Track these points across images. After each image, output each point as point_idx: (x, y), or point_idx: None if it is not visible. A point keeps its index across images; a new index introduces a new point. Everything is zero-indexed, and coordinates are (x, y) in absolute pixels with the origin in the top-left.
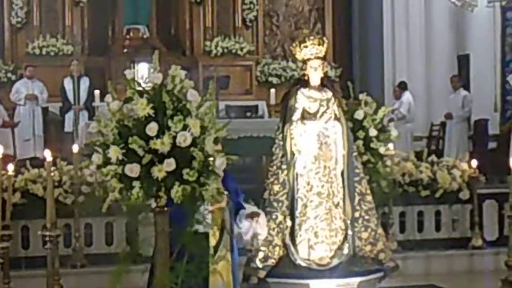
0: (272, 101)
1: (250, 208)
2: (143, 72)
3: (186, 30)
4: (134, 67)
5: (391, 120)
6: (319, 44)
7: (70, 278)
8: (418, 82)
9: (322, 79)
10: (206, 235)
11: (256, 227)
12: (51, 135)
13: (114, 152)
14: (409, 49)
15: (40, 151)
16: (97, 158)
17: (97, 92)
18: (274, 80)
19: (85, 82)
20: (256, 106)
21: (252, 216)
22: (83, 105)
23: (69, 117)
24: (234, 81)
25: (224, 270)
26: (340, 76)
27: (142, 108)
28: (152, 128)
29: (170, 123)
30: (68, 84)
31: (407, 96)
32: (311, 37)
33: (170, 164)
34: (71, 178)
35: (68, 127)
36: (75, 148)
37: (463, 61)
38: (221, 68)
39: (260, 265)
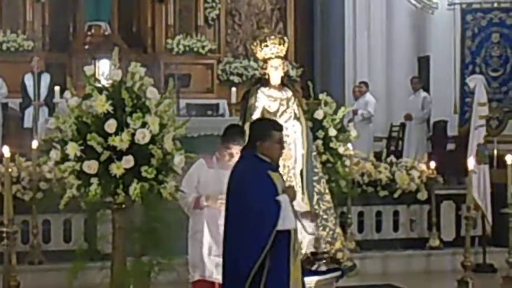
0: (233, 99)
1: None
2: (104, 69)
3: (147, 27)
4: (95, 64)
5: (350, 120)
6: (279, 44)
7: (28, 275)
8: (378, 83)
9: (282, 78)
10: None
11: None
12: (10, 130)
13: (72, 149)
14: (370, 50)
15: None
16: (55, 155)
17: (57, 88)
18: (236, 79)
19: (45, 78)
20: (217, 105)
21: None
22: (43, 101)
23: (28, 113)
24: (195, 80)
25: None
26: (301, 76)
27: (101, 104)
28: (110, 125)
29: (129, 120)
30: (28, 80)
31: (369, 96)
32: (272, 37)
33: (128, 161)
34: (30, 174)
35: (27, 123)
36: (34, 144)
37: (423, 63)
38: (183, 66)
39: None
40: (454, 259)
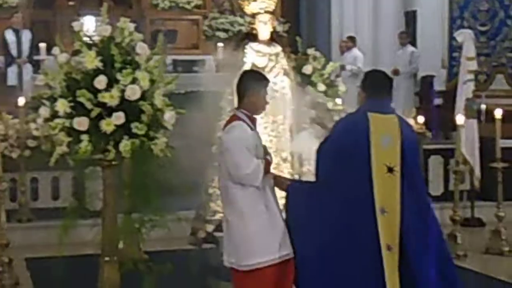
0: (220, 55)
1: None
2: (89, 26)
3: None
4: (80, 20)
5: (338, 75)
6: None
7: (16, 232)
8: (365, 37)
9: (271, 33)
10: None
11: None
12: None
13: (62, 105)
14: (356, 5)
15: None
16: (44, 111)
17: (42, 45)
18: (222, 34)
19: (26, 35)
20: (204, 61)
21: None
22: (26, 58)
23: (12, 70)
24: (181, 36)
25: None
26: (288, 31)
27: (90, 60)
28: (100, 81)
29: (119, 76)
30: (9, 36)
31: (355, 51)
32: None
33: (119, 118)
34: (17, 132)
35: (11, 80)
36: (21, 101)
37: (410, 18)
38: (168, 22)
39: (208, 219)
40: (442, 213)
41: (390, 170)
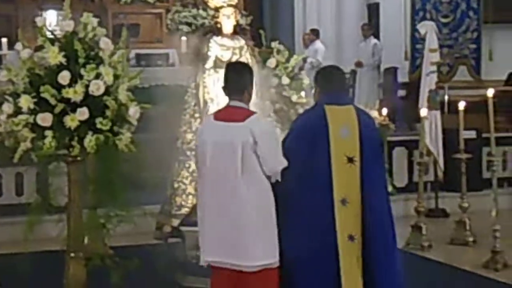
0: (184, 49)
1: None
2: (51, 20)
3: None
4: (42, 15)
5: (301, 68)
6: None
7: None
8: (328, 30)
9: (234, 27)
10: None
11: None
12: None
13: (26, 102)
14: None
15: None
16: (7, 108)
17: (4, 40)
18: (185, 28)
19: None
20: (167, 55)
21: None
22: None
23: None
24: (144, 29)
25: None
26: (251, 24)
27: (53, 56)
28: (64, 77)
29: (82, 71)
30: None
31: (319, 44)
32: None
33: (83, 113)
34: None
35: None
36: None
37: (373, 10)
38: (131, 16)
39: (173, 214)
40: (406, 204)
41: (350, 160)
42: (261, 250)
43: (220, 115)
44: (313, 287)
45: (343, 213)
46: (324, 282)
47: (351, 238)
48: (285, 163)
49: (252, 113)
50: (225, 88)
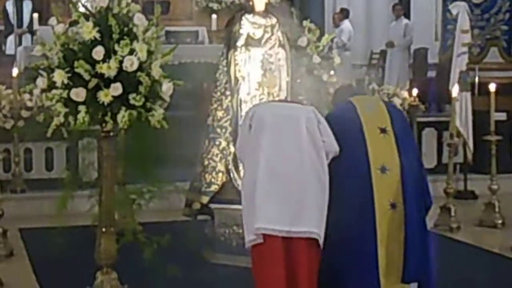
0: (213, 27)
1: None
2: None
3: None
4: None
5: (330, 48)
6: None
7: (10, 203)
8: (358, 9)
9: (266, 5)
10: None
11: None
12: None
13: (60, 76)
14: None
15: None
16: (41, 82)
17: (36, 15)
18: (215, 6)
19: (27, 5)
20: (197, 32)
21: None
22: (26, 28)
23: (11, 40)
24: (174, 7)
25: None
26: (280, 3)
27: (88, 31)
28: (98, 52)
29: (116, 47)
30: (10, 7)
31: (346, 24)
32: None
33: (116, 89)
34: (10, 102)
35: (9, 50)
36: (15, 71)
37: None
38: None
39: (203, 191)
40: (436, 186)
41: (383, 130)
42: (316, 219)
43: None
44: (353, 260)
45: (383, 180)
46: (363, 253)
47: (393, 206)
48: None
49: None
50: None
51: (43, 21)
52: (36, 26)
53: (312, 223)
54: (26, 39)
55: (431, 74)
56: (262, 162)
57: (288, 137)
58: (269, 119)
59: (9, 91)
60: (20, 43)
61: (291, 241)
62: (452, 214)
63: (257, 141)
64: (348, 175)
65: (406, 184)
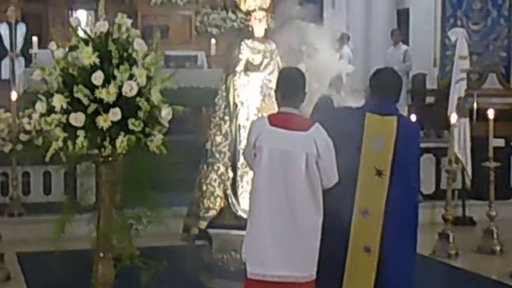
0: (212, 51)
1: None
2: (82, 20)
3: None
4: (72, 14)
5: None
6: None
7: (7, 226)
8: (357, 35)
9: (265, 30)
10: None
11: None
12: None
13: (59, 101)
14: (349, 2)
15: None
16: (41, 107)
17: (35, 39)
18: (214, 30)
19: (21, 28)
20: (196, 57)
21: None
22: (19, 52)
23: (5, 64)
24: (173, 31)
25: None
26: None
27: (87, 56)
28: (97, 77)
29: (116, 72)
30: (4, 30)
31: (346, 49)
32: None
33: (115, 114)
34: (9, 126)
35: (4, 74)
36: (14, 95)
37: (403, 16)
38: (161, 18)
39: (201, 216)
40: (434, 212)
41: (379, 173)
42: (311, 262)
43: (277, 122)
44: None
45: (362, 224)
46: None
47: (367, 249)
48: (337, 177)
49: (313, 122)
50: (279, 94)
51: (41, 44)
52: (35, 49)
53: (307, 266)
54: (19, 62)
55: (430, 100)
56: (257, 205)
57: (285, 178)
58: (266, 154)
59: (8, 114)
60: (13, 67)
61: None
62: (451, 240)
63: (255, 177)
64: (331, 212)
65: (386, 229)
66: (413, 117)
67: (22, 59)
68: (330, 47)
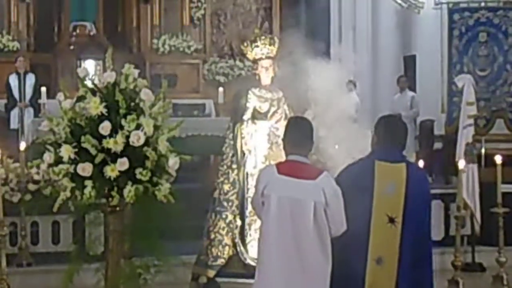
0: (220, 100)
1: None
2: (90, 70)
3: (133, 27)
4: (80, 65)
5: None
6: (270, 44)
7: (16, 277)
8: (364, 82)
9: (272, 78)
10: None
11: None
12: None
13: (67, 151)
14: (355, 49)
15: None
16: (48, 157)
17: (43, 89)
18: (222, 79)
19: (30, 79)
20: (204, 105)
21: None
22: (28, 102)
23: (14, 114)
24: (181, 80)
25: None
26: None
27: (95, 107)
28: (105, 127)
29: (123, 122)
30: (13, 80)
31: (354, 96)
32: (262, 37)
33: (123, 164)
34: (18, 176)
35: (13, 124)
36: (22, 146)
37: (409, 62)
38: (168, 66)
39: (209, 264)
40: (443, 258)
41: (391, 220)
42: None
43: (286, 170)
44: None
45: (377, 272)
46: None
47: None
48: (345, 225)
49: (321, 170)
50: (287, 142)
51: (50, 94)
52: (44, 99)
53: None
54: (29, 112)
55: (438, 145)
56: (265, 253)
57: (293, 228)
58: (274, 203)
59: (17, 164)
60: (22, 117)
61: None
62: (460, 287)
63: (264, 225)
64: (343, 261)
65: (401, 276)
66: (421, 163)
67: (31, 109)
68: (338, 90)
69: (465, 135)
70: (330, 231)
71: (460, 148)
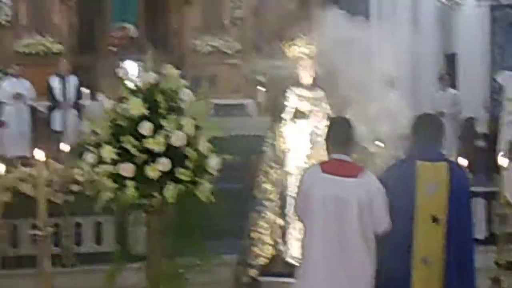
0: (261, 99)
1: None
2: (131, 70)
3: (173, 28)
4: (121, 66)
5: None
6: (309, 43)
7: (60, 277)
8: (405, 80)
9: (313, 78)
10: None
11: None
12: (39, 134)
13: (108, 152)
14: (395, 47)
15: (28, 150)
16: (90, 158)
17: (86, 90)
18: (261, 78)
19: (73, 81)
20: (245, 105)
21: None
22: (71, 104)
23: (57, 116)
24: (221, 80)
25: None
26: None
27: (136, 107)
28: (146, 128)
29: (164, 122)
30: (53, 82)
31: (393, 93)
32: (302, 37)
33: (164, 164)
34: (61, 177)
35: (55, 125)
36: (66, 147)
37: (450, 60)
38: (209, 67)
39: (251, 264)
40: (486, 257)
41: (435, 219)
42: None
43: (330, 169)
44: None
45: (424, 271)
46: None
47: None
48: (388, 223)
49: (364, 168)
50: (330, 141)
51: (92, 95)
52: (87, 101)
53: None
54: (71, 114)
55: (480, 143)
56: (311, 251)
57: (337, 226)
58: (317, 202)
59: (59, 166)
60: (65, 119)
61: None
62: (503, 285)
63: (308, 224)
64: (390, 261)
65: (448, 275)
66: (464, 161)
67: (74, 111)
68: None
69: (507, 132)
70: (374, 229)
71: (502, 145)
